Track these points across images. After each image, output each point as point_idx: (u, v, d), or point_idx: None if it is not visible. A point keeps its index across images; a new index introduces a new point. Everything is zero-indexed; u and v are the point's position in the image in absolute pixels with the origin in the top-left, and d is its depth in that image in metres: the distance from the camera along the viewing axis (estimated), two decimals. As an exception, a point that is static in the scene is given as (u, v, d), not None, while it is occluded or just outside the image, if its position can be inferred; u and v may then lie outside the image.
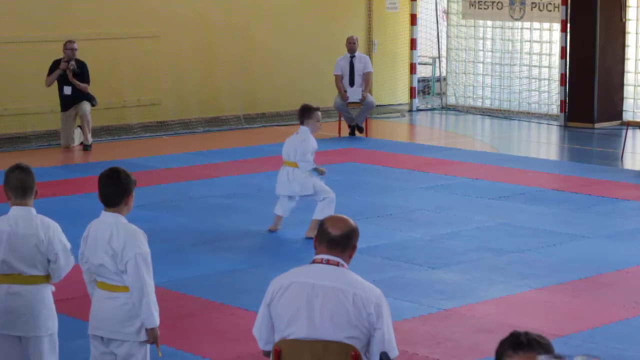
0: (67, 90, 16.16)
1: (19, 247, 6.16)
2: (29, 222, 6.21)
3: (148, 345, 6.11)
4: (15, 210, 6.24)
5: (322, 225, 5.25)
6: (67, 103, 16.23)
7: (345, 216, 5.36)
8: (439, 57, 22.04)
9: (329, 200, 10.82)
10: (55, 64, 16.20)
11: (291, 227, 11.30)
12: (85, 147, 16.19)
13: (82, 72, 16.20)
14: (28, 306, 6.21)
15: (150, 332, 5.98)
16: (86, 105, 16.17)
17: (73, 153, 16.00)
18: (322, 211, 10.64)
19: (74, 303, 8.53)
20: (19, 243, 6.16)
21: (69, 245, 6.32)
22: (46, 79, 16.16)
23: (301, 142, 10.98)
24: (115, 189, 5.97)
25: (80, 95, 16.19)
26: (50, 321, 6.31)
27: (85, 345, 6.31)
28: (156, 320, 5.96)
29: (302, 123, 11.09)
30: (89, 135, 16.18)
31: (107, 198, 5.99)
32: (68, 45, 16.19)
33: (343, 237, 5.19)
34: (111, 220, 5.95)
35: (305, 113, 11.03)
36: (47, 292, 6.31)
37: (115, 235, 5.88)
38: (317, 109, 11.08)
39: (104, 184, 6.00)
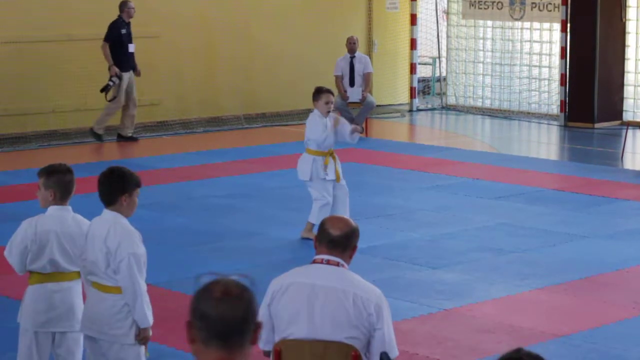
0: (132, 47, 16.28)
1: (67, 245, 6.30)
2: (75, 220, 6.37)
3: (141, 348, 6.11)
4: (57, 210, 6.36)
5: (322, 225, 5.25)
6: (130, 63, 16.28)
7: (345, 216, 5.37)
8: (439, 57, 22.02)
9: (319, 205, 10.72)
10: (114, 26, 16.11)
11: (291, 227, 11.30)
12: (131, 139, 16.55)
13: (128, 32, 16.31)
14: (69, 303, 6.36)
15: (143, 331, 6.02)
16: (134, 84, 16.39)
17: (72, 153, 15.97)
18: (313, 215, 10.67)
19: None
20: (68, 242, 6.30)
21: None
22: (104, 43, 16.09)
23: (307, 127, 10.96)
24: (108, 189, 6.06)
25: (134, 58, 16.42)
26: (80, 316, 6.42)
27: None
28: (149, 320, 6.02)
29: (314, 106, 11.02)
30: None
31: (102, 197, 6.11)
32: (129, 5, 16.19)
33: (343, 237, 5.19)
34: (110, 219, 6.01)
35: (313, 96, 10.87)
36: (80, 287, 6.45)
37: (112, 234, 5.95)
38: (327, 91, 10.84)
39: (100, 182, 6.15)
